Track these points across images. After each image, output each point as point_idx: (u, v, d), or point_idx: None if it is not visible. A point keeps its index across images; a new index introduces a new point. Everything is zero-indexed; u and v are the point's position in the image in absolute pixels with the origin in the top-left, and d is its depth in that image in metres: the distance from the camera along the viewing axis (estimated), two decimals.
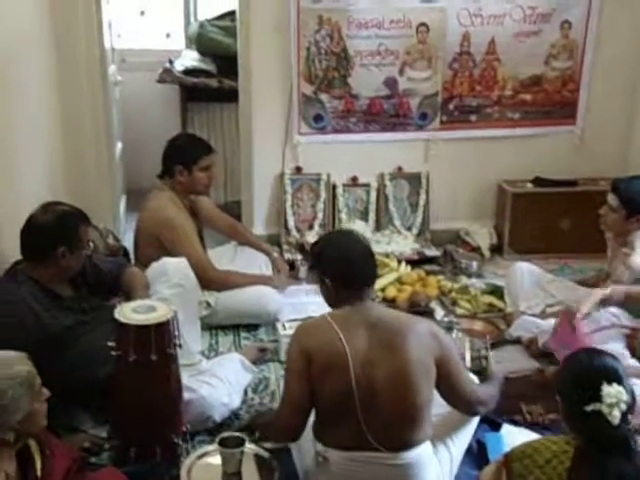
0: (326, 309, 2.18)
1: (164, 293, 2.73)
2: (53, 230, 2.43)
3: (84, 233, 2.50)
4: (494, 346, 2.95)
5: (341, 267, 2.11)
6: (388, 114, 4.09)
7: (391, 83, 4.03)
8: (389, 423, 1.99)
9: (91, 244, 2.58)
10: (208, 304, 3.25)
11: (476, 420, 2.30)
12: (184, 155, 3.28)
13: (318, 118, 4.05)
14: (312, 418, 2.11)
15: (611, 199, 3.07)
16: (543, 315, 3.19)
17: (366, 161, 4.18)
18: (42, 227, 2.43)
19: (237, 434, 2.16)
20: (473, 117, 4.17)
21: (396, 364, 1.97)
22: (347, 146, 4.11)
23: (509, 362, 3.00)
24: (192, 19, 5.16)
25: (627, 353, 2.75)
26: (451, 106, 4.13)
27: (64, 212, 2.48)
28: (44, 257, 2.43)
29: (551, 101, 4.19)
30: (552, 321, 2.98)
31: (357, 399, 1.97)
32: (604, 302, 2.74)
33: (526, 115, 4.20)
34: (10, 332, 2.28)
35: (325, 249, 2.19)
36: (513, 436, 2.37)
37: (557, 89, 4.17)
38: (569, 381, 1.76)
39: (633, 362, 2.72)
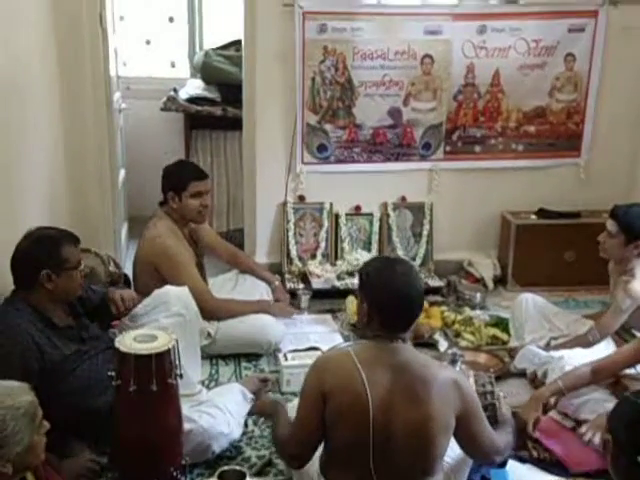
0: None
1: (163, 322, 2.72)
2: (32, 255, 2.41)
3: (69, 254, 2.45)
4: (498, 379, 2.91)
5: (383, 300, 1.97)
6: (392, 144, 4.09)
7: (395, 113, 4.04)
8: (401, 472, 1.94)
9: (82, 264, 2.53)
10: (208, 334, 3.22)
11: None
12: (174, 181, 3.27)
13: (322, 148, 4.05)
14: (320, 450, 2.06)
15: (610, 225, 3.07)
16: (547, 348, 3.16)
17: (369, 190, 4.17)
18: (22, 253, 2.43)
19: (237, 467, 2.12)
20: (477, 148, 4.18)
21: (416, 416, 1.90)
22: (350, 175, 4.11)
23: (514, 396, 2.96)
24: (197, 48, 5.20)
25: (611, 398, 2.68)
26: (455, 137, 4.14)
27: (42, 235, 2.46)
28: (31, 283, 2.41)
29: (555, 133, 4.20)
30: (553, 353, 2.98)
31: (372, 444, 1.91)
32: (546, 406, 2.69)
33: (530, 147, 4.21)
34: (11, 361, 2.27)
35: (376, 274, 2.01)
36: (519, 472, 2.33)
37: (562, 121, 4.18)
38: (622, 425, 1.60)
39: None
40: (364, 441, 1.91)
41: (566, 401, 2.71)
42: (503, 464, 2.41)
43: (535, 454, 2.56)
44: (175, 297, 2.84)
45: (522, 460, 2.50)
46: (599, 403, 2.66)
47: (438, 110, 4.07)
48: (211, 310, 3.18)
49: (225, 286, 3.61)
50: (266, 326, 3.34)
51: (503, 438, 2.18)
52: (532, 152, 4.21)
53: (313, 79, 3.89)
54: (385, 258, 2.10)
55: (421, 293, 2.02)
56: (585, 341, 3.05)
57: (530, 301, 3.40)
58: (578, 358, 2.84)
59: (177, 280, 3.04)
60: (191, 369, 2.71)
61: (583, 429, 2.59)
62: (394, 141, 4.09)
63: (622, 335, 3.13)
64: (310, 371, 2.03)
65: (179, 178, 3.27)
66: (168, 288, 2.90)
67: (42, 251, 2.41)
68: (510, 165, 4.21)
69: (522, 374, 3.14)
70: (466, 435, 2.02)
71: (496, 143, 4.18)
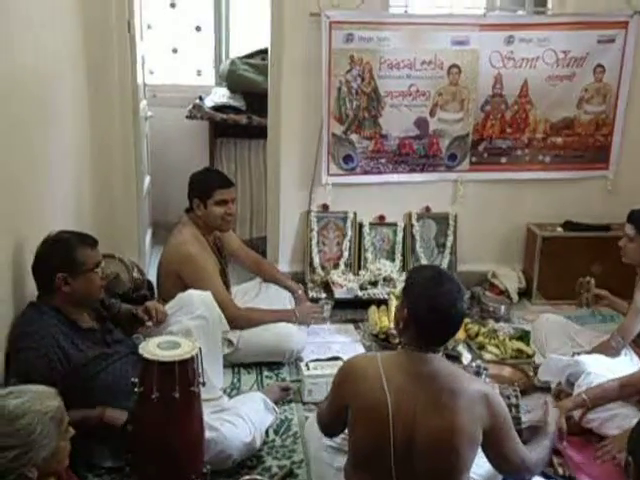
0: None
1: (187, 324, 2.73)
2: (47, 258, 2.44)
3: (85, 256, 2.46)
4: (523, 394, 2.87)
5: (424, 313, 1.92)
6: (418, 154, 4.06)
7: (422, 124, 4.01)
8: None
9: (101, 266, 2.53)
10: (230, 342, 3.21)
11: None
12: (200, 188, 3.28)
13: (348, 159, 4.02)
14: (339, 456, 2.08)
15: (628, 229, 3.08)
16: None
17: (393, 200, 4.15)
18: (38, 257, 2.46)
19: (258, 477, 2.11)
20: (503, 159, 4.14)
21: (441, 426, 1.88)
22: (374, 185, 4.09)
23: (538, 411, 2.92)
24: (223, 57, 5.22)
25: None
26: (481, 148, 4.10)
27: (56, 239, 2.48)
28: (49, 286, 2.44)
29: (584, 145, 4.16)
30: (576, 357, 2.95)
31: (392, 453, 1.89)
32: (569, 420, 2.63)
33: (557, 158, 4.16)
34: (36, 364, 2.28)
35: (423, 284, 1.97)
36: None
37: (590, 133, 4.14)
38: None
39: None
40: (384, 447, 1.89)
41: (591, 415, 2.66)
42: None
43: (561, 472, 2.51)
44: (199, 300, 2.85)
45: (548, 477, 2.45)
46: (626, 419, 2.61)
47: (465, 121, 4.04)
48: (233, 319, 3.17)
49: (248, 294, 3.61)
50: (289, 335, 3.32)
51: (536, 454, 2.12)
52: (559, 164, 4.17)
53: (339, 89, 3.88)
54: (437, 270, 2.06)
55: (462, 314, 1.97)
56: (609, 347, 3.02)
57: (551, 320, 3.44)
58: (599, 364, 2.82)
59: (200, 288, 3.03)
60: (213, 373, 2.71)
61: (606, 444, 2.55)
62: (420, 152, 4.06)
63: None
64: (337, 374, 2.06)
65: (205, 185, 3.28)
66: (192, 292, 2.91)
67: (56, 255, 2.43)
68: (536, 177, 4.17)
69: (547, 388, 3.09)
70: (495, 451, 1.99)
71: (522, 154, 4.14)
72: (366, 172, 4.05)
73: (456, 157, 4.10)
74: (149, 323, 2.72)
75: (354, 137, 3.98)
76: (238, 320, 3.23)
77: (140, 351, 2.18)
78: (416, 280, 2.01)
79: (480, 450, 2.01)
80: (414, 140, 4.03)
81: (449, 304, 1.92)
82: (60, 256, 2.43)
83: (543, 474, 2.44)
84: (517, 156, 4.14)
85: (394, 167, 4.06)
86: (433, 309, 1.91)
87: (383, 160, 4.04)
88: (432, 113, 4.00)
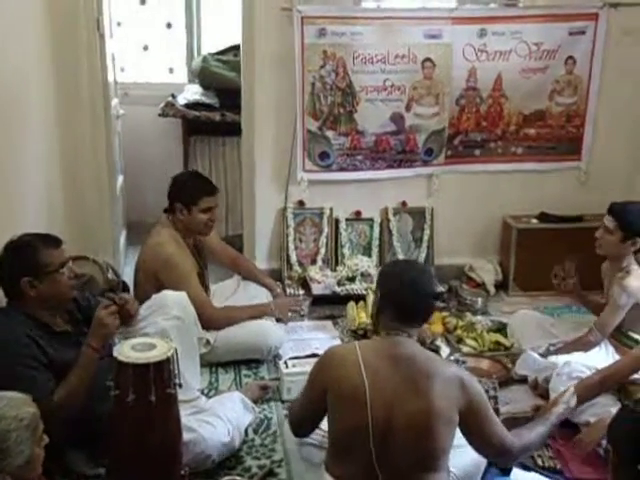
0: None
1: (162, 324, 2.70)
2: (10, 264, 2.38)
3: (49, 257, 2.39)
4: (501, 385, 2.89)
5: (396, 288, 2.03)
6: (395, 150, 4.03)
7: (398, 119, 3.98)
8: (402, 465, 1.93)
9: (70, 266, 2.47)
10: (207, 342, 3.19)
11: (483, 463, 2.23)
12: (185, 194, 3.23)
13: (324, 155, 3.98)
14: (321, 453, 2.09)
15: (608, 221, 3.07)
16: (547, 353, 3.14)
17: (369, 196, 4.15)
18: (1, 264, 2.38)
19: (238, 477, 2.10)
20: (477, 151, 4.15)
21: (417, 408, 1.90)
22: (350, 181, 4.07)
23: (517, 403, 2.95)
24: (195, 53, 5.18)
25: (616, 403, 2.67)
26: (456, 141, 4.10)
27: (17, 243, 2.40)
28: (16, 292, 2.37)
29: (556, 137, 4.17)
30: (553, 359, 2.98)
31: (372, 435, 1.91)
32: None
33: (530, 150, 4.18)
34: (16, 352, 2.26)
35: (393, 267, 2.25)
36: None
37: (561, 124, 4.15)
38: (622, 434, 1.63)
39: None
40: (363, 431, 1.91)
41: None
42: (507, 472, 2.39)
43: (540, 462, 2.53)
44: (173, 301, 2.82)
45: (526, 468, 2.47)
46: (603, 407, 2.63)
47: (441, 115, 4.02)
48: (211, 320, 3.15)
49: (226, 291, 3.59)
50: (266, 331, 3.31)
51: (524, 439, 2.10)
52: (532, 155, 4.19)
53: (313, 84, 3.84)
54: (405, 260, 2.19)
55: (433, 292, 2.06)
56: (586, 341, 3.04)
57: (528, 315, 3.50)
58: (579, 363, 2.84)
59: (178, 289, 3.00)
60: (189, 374, 2.68)
61: (581, 437, 2.57)
62: (397, 148, 4.03)
63: (619, 338, 3.11)
64: (315, 363, 2.10)
65: (191, 192, 3.23)
66: (166, 292, 2.88)
67: (18, 259, 2.36)
68: (511, 168, 4.18)
69: (524, 380, 3.12)
70: (473, 433, 2.00)
71: (495, 147, 4.15)
72: (342, 169, 4.02)
73: (432, 152, 4.09)
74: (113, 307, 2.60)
75: (330, 133, 3.94)
76: (217, 321, 3.21)
77: (115, 354, 2.15)
78: (386, 268, 2.25)
79: (460, 442, 2.03)
80: (391, 136, 4.01)
81: (418, 275, 2.06)
82: (22, 260, 2.36)
83: (523, 465, 2.46)
84: (490, 148, 4.15)
85: (371, 164, 4.04)
86: (404, 282, 2.02)
87: (360, 157, 4.02)
88: (408, 108, 3.98)
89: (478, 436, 2.01)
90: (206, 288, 3.42)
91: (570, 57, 4.03)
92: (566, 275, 3.31)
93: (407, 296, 2.01)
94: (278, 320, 3.46)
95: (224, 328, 3.23)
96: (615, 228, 3.03)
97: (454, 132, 4.08)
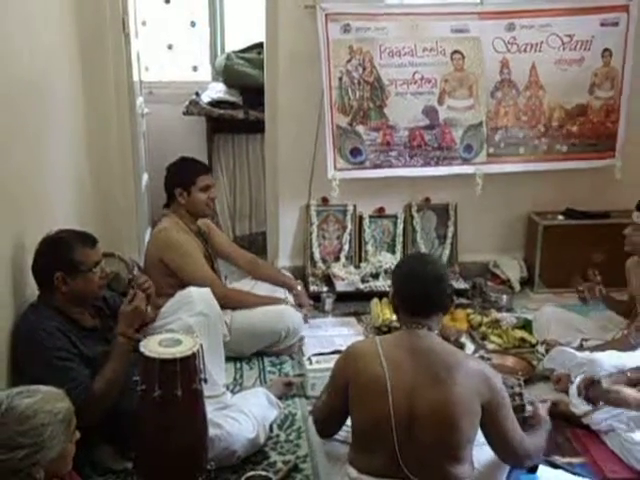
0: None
1: (188, 320, 2.71)
2: (44, 258, 2.43)
3: (83, 256, 2.43)
4: (526, 383, 2.85)
5: (400, 282, 2.12)
6: (431, 146, 3.92)
7: (431, 112, 3.88)
8: (425, 455, 1.94)
9: (100, 265, 2.51)
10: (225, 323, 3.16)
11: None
12: (182, 177, 3.30)
13: (356, 152, 3.88)
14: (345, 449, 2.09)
15: (637, 217, 3.02)
16: (581, 349, 3.08)
17: (392, 192, 4.12)
18: (37, 257, 2.44)
19: (263, 473, 2.11)
20: (522, 149, 4.01)
21: (439, 398, 1.92)
22: (381, 178, 3.99)
23: (541, 398, 2.91)
24: (219, 52, 5.20)
25: None
26: (497, 137, 3.98)
27: (54, 238, 2.46)
28: (49, 286, 2.42)
29: (596, 133, 4.04)
30: (588, 353, 2.90)
31: (394, 426, 1.92)
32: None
33: (574, 148, 4.04)
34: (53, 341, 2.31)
35: (401, 263, 2.33)
36: (550, 478, 2.28)
37: (602, 120, 4.03)
38: None
39: None
40: (386, 423, 1.93)
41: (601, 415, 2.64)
42: (534, 469, 2.37)
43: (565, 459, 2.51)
44: (198, 297, 2.84)
45: (553, 465, 2.45)
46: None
47: (476, 108, 3.92)
48: (222, 297, 3.10)
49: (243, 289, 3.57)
50: (283, 312, 3.32)
51: (534, 440, 2.15)
52: (576, 153, 4.04)
53: (340, 79, 3.78)
54: (414, 254, 2.23)
55: (439, 277, 2.08)
56: (627, 344, 2.96)
57: (551, 312, 3.43)
58: (614, 360, 2.78)
59: (185, 268, 3.07)
60: (215, 369, 2.70)
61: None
62: (432, 143, 3.92)
63: None
64: (339, 358, 2.13)
65: (187, 173, 3.30)
66: (191, 289, 2.89)
67: (54, 254, 2.41)
68: (550, 167, 4.04)
69: (549, 377, 3.08)
70: (494, 430, 2.01)
71: (540, 144, 4.02)
72: (377, 166, 3.92)
73: (472, 148, 3.97)
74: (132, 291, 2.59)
75: (360, 129, 3.85)
76: (227, 298, 3.20)
77: (141, 349, 2.17)
78: (395, 265, 2.33)
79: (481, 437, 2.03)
80: (425, 130, 3.90)
81: (420, 264, 2.13)
82: (58, 256, 2.41)
83: (549, 463, 2.45)
84: (535, 146, 4.01)
85: (407, 160, 3.93)
86: (407, 274, 2.11)
87: (394, 153, 3.91)
88: (440, 101, 3.88)
89: (498, 433, 2.01)
90: (216, 274, 3.41)
91: (607, 49, 3.92)
92: (591, 285, 3.27)
93: (411, 286, 2.07)
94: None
95: (235, 307, 3.24)
96: None
97: (493, 127, 3.96)
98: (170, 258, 3.19)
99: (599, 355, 2.84)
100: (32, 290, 2.52)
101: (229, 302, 3.23)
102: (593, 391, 2.56)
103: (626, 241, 3.09)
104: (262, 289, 3.56)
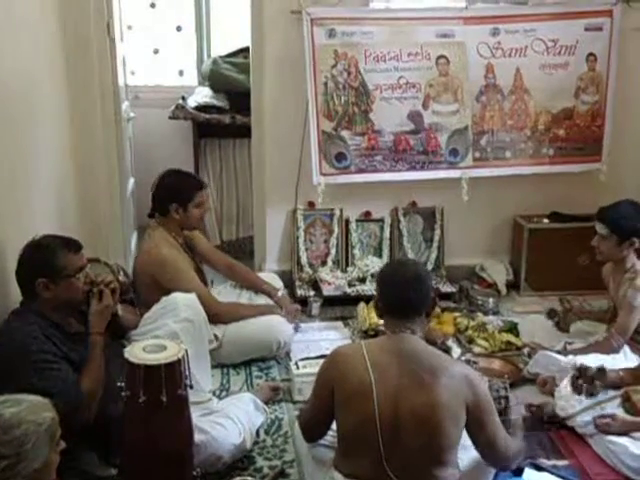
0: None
1: (173, 327, 2.71)
2: (28, 263, 2.41)
3: (66, 261, 2.42)
4: (513, 386, 2.87)
5: (380, 284, 2.17)
6: (416, 151, 3.93)
7: (416, 117, 3.89)
8: (410, 459, 1.94)
9: (84, 271, 2.49)
10: (215, 337, 3.18)
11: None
12: (179, 193, 3.27)
13: (341, 157, 3.88)
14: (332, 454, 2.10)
15: (600, 228, 3.07)
16: (565, 352, 3.11)
17: (379, 196, 4.13)
18: (20, 262, 2.42)
19: (249, 478, 2.11)
20: (508, 153, 4.02)
21: (424, 401, 1.93)
22: (367, 183, 3.99)
23: (527, 402, 2.93)
24: (205, 56, 5.20)
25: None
26: (483, 142, 3.99)
27: (38, 244, 2.44)
28: (31, 292, 2.40)
29: (583, 137, 4.06)
30: (571, 357, 2.93)
31: (379, 430, 1.93)
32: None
33: (560, 151, 4.06)
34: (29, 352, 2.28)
35: (381, 270, 2.32)
36: None
37: (587, 124, 4.05)
38: None
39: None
40: (371, 427, 1.93)
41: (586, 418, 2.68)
42: (519, 472, 2.38)
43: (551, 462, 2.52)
44: (183, 303, 2.83)
45: (538, 468, 2.46)
46: None
47: (461, 113, 3.94)
48: (215, 313, 3.14)
49: (230, 294, 3.57)
50: (274, 326, 3.32)
51: (517, 443, 2.18)
52: (563, 157, 4.06)
53: (325, 84, 3.78)
54: (397, 259, 2.27)
55: (419, 279, 2.11)
56: (608, 346, 3.00)
57: (537, 321, 3.52)
58: (598, 362, 2.81)
59: (178, 287, 3.02)
60: (201, 375, 2.70)
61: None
62: (417, 148, 3.93)
63: (635, 338, 3.09)
64: (323, 362, 2.14)
65: (184, 190, 3.27)
66: (176, 295, 2.88)
67: (37, 260, 2.39)
68: (536, 171, 4.05)
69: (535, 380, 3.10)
70: (479, 432, 2.01)
71: (526, 147, 4.03)
72: (361, 170, 3.92)
73: (457, 153, 3.98)
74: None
75: (345, 133, 3.86)
76: (220, 315, 3.21)
77: (126, 355, 2.16)
78: (382, 268, 2.34)
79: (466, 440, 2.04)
80: (410, 135, 3.91)
81: (398, 267, 2.22)
82: (40, 261, 2.39)
83: (535, 466, 2.46)
84: (521, 150, 4.03)
85: (392, 165, 3.93)
86: (385, 278, 2.16)
87: (379, 157, 3.92)
88: (425, 105, 3.89)
89: (484, 436, 2.02)
90: (205, 284, 3.42)
91: (591, 54, 3.95)
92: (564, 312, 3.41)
93: (392, 289, 2.11)
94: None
95: (228, 322, 3.24)
96: (608, 233, 3.03)
97: (479, 131, 3.98)
98: (164, 277, 3.15)
99: (582, 359, 2.87)
100: (15, 297, 2.50)
101: (223, 318, 3.24)
102: (602, 379, 2.62)
103: (596, 251, 3.13)
104: (246, 298, 3.56)
